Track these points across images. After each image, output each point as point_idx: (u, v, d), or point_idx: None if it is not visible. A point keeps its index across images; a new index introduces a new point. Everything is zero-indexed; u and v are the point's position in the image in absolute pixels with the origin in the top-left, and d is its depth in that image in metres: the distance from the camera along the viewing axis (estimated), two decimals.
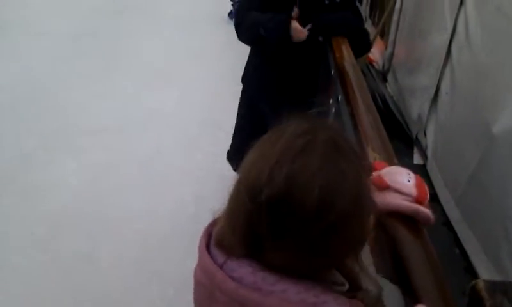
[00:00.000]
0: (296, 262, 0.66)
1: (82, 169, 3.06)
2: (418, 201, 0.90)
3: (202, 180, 2.96)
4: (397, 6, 3.90)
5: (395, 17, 3.94)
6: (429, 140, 3.09)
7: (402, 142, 3.31)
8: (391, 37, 4.02)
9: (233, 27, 2.19)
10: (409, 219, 0.87)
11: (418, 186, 0.91)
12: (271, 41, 1.95)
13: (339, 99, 1.51)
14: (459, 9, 2.74)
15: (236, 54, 2.08)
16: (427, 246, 0.84)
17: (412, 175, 0.94)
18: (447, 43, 2.84)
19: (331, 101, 1.76)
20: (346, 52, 1.68)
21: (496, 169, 2.21)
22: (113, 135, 3.40)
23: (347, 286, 0.71)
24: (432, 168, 2.96)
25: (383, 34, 4.32)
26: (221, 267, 0.70)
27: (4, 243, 2.51)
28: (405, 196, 0.90)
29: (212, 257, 0.71)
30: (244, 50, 2.31)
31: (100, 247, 2.49)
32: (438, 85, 2.97)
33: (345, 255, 0.69)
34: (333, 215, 0.61)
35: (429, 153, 3.06)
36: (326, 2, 2.04)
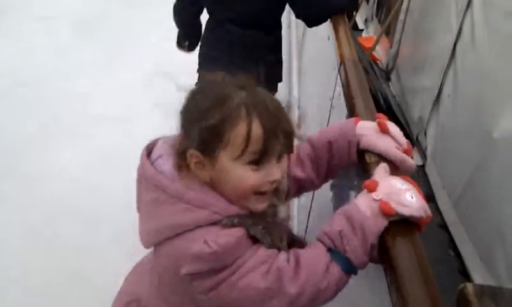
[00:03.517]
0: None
1: (80, 156, 3.05)
2: (405, 152, 1.02)
3: None
4: (404, 5, 3.88)
5: (401, 16, 3.92)
6: (429, 141, 3.08)
7: None
8: (396, 36, 4.00)
9: None
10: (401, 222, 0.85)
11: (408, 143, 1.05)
12: None
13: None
14: (465, 11, 2.72)
15: None
16: (419, 251, 0.81)
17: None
18: (452, 45, 2.83)
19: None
20: (349, 48, 1.64)
21: (495, 174, 2.21)
22: (116, 125, 3.38)
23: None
24: (430, 169, 2.96)
25: (389, 32, 4.31)
26: (152, 163, 0.91)
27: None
28: (397, 144, 1.03)
29: (148, 158, 0.93)
30: None
31: (96, 235, 2.49)
32: (440, 87, 2.96)
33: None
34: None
35: (429, 154, 3.06)
36: None
